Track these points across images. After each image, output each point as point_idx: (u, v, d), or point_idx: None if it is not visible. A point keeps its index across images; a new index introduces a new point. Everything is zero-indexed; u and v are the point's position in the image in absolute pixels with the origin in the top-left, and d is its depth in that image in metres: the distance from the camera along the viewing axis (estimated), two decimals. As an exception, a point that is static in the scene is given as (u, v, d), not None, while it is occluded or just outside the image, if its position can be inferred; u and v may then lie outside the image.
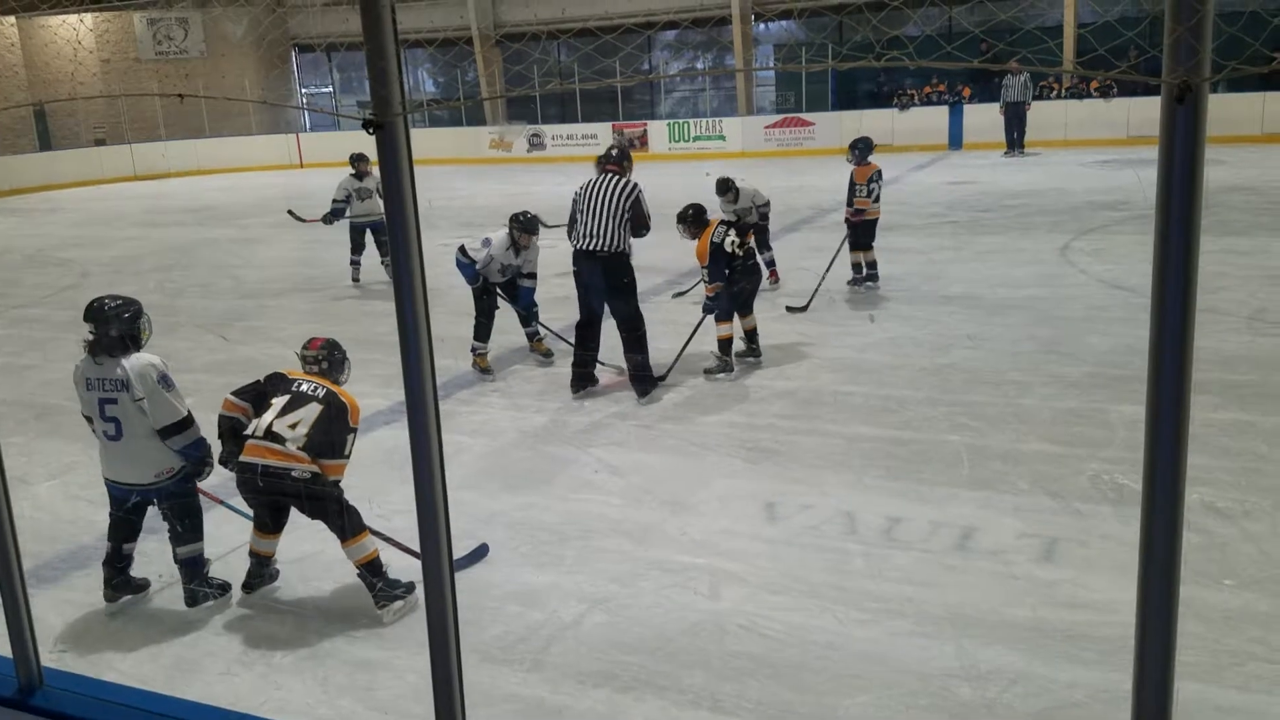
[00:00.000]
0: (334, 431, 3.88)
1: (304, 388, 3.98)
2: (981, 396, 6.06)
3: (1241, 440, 5.13)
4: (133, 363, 3.87)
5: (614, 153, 6.54)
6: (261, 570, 4.14)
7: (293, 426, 3.85)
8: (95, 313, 3.90)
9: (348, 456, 3.94)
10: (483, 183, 20.43)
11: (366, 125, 1.52)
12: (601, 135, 23.39)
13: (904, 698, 3.28)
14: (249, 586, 4.12)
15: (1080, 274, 9.02)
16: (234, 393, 4.08)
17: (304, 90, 30.19)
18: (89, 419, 4.00)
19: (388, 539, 4.16)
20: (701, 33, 24.86)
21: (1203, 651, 3.39)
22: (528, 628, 3.84)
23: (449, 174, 21.43)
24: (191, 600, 4.04)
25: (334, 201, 10.18)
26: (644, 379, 6.40)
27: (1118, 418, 5.55)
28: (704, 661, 3.55)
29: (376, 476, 4.98)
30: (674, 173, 16.94)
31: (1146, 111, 18.06)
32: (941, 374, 6.51)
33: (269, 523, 4.06)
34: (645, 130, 23.11)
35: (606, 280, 6.27)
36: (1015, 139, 18.21)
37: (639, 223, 6.27)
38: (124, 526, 4.05)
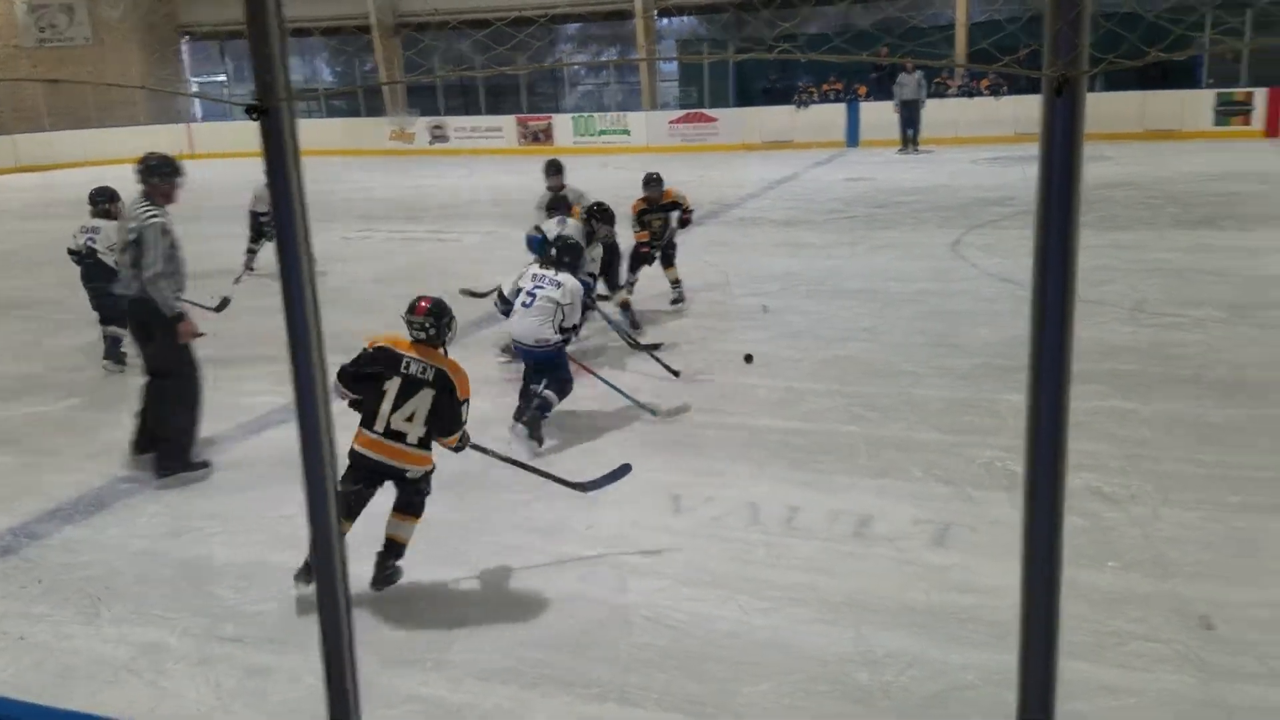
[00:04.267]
0: (448, 413, 3.89)
1: (413, 369, 3.88)
2: (877, 388, 6.20)
3: (1126, 427, 5.35)
4: None
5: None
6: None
7: (409, 419, 3.84)
8: None
9: (464, 423, 3.99)
10: (384, 175, 20.07)
11: (250, 110, 1.47)
12: (505, 128, 23.21)
13: (803, 684, 3.33)
14: (305, 577, 3.97)
15: (971, 268, 9.29)
16: (341, 372, 3.90)
17: (195, 80, 29.17)
18: None
19: (533, 468, 4.52)
20: (605, 26, 24.85)
21: (1087, 632, 3.52)
22: (430, 627, 3.78)
23: (347, 165, 20.99)
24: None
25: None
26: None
27: (1007, 407, 5.73)
28: (611, 655, 3.55)
29: (273, 478, 4.84)
30: (576, 166, 16.88)
31: (1034, 109, 18.63)
32: (839, 366, 6.64)
33: (348, 511, 3.86)
34: (550, 123, 23.00)
35: None
36: (910, 136, 18.66)
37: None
38: None
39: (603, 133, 22.47)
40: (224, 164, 18.12)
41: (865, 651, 3.49)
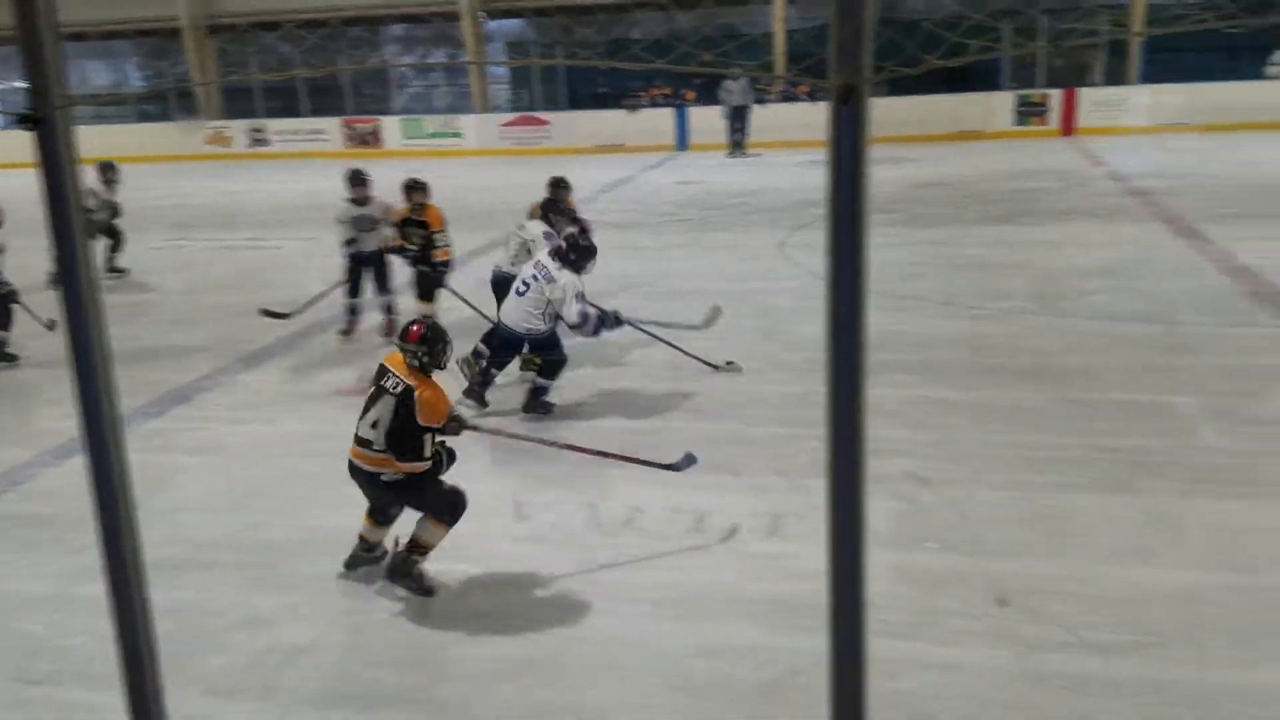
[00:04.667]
0: (402, 431, 3.82)
1: (387, 383, 3.93)
2: (715, 385, 6.32)
3: (940, 414, 5.63)
4: None
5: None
6: (366, 553, 4.16)
7: (373, 426, 3.89)
8: None
9: (426, 459, 3.85)
10: (200, 181, 19.12)
11: (23, 120, 1.36)
12: (330, 130, 22.48)
13: (649, 681, 3.37)
14: (351, 565, 4.16)
15: (796, 267, 9.60)
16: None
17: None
18: None
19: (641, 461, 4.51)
20: (431, 27, 24.42)
21: (911, 611, 3.69)
22: (256, 654, 3.62)
23: (159, 172, 19.89)
24: None
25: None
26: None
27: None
28: (457, 669, 3.49)
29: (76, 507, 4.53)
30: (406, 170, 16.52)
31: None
32: (677, 365, 6.73)
33: (377, 516, 4.12)
34: (377, 126, 22.43)
35: None
36: (738, 140, 19.13)
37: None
38: None
39: (433, 135, 22.06)
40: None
41: (704, 645, 3.56)
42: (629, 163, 18.75)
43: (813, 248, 10.41)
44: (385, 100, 25.40)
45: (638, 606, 3.83)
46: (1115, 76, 19.78)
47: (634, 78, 22.17)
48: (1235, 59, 18.99)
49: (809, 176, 15.97)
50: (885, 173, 16.02)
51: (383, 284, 7.66)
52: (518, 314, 5.80)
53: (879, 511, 4.49)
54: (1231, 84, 18.29)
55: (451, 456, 4.02)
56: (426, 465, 3.86)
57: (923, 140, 18.65)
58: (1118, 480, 4.69)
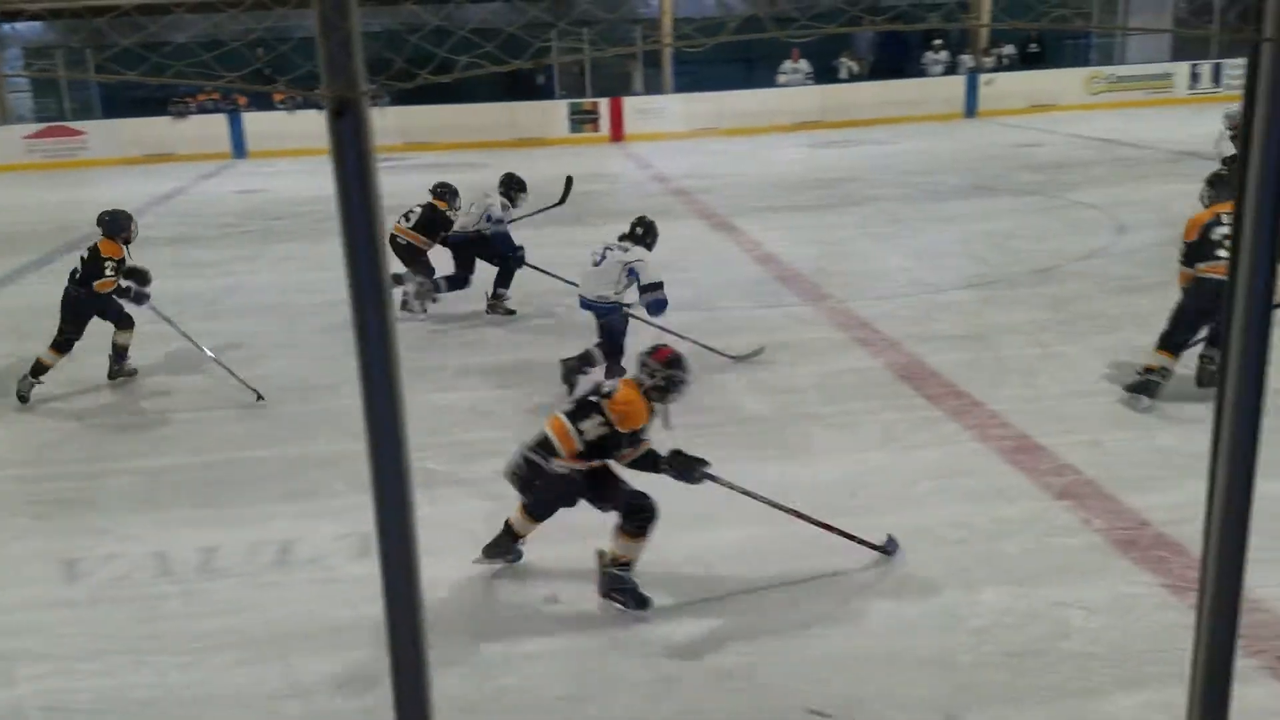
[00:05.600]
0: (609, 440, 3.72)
1: (605, 389, 3.80)
2: (296, 405, 6.04)
3: (531, 413, 5.80)
4: None
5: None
6: (508, 544, 4.01)
7: (580, 432, 3.72)
8: None
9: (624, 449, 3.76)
10: None
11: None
12: None
13: (235, 733, 3.15)
14: (489, 553, 4.00)
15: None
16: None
17: None
18: None
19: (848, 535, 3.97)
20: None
21: (507, 608, 3.78)
22: None
23: None
24: None
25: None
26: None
27: (427, 407, 5.91)
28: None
29: None
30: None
31: (417, 119, 19.48)
32: (256, 387, 6.33)
33: (533, 512, 3.96)
34: None
35: None
36: None
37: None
38: None
39: (-65, 152, 18.90)
40: None
41: (294, 682, 3.39)
42: (181, 172, 17.35)
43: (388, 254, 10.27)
44: None
45: (219, 655, 3.56)
46: (654, 86, 21.56)
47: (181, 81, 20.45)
48: (752, 70, 21.50)
49: (386, 182, 15.75)
50: (459, 177, 16.18)
51: None
52: (592, 283, 6.17)
53: (473, 514, 4.55)
54: (750, 92, 20.70)
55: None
56: (591, 465, 3.75)
57: (487, 146, 19.15)
58: (681, 455, 5.12)
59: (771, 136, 19.44)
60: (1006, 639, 3.45)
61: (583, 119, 20.25)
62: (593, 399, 3.81)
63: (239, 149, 19.67)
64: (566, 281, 7.38)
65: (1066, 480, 4.60)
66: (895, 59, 22.24)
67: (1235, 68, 20.54)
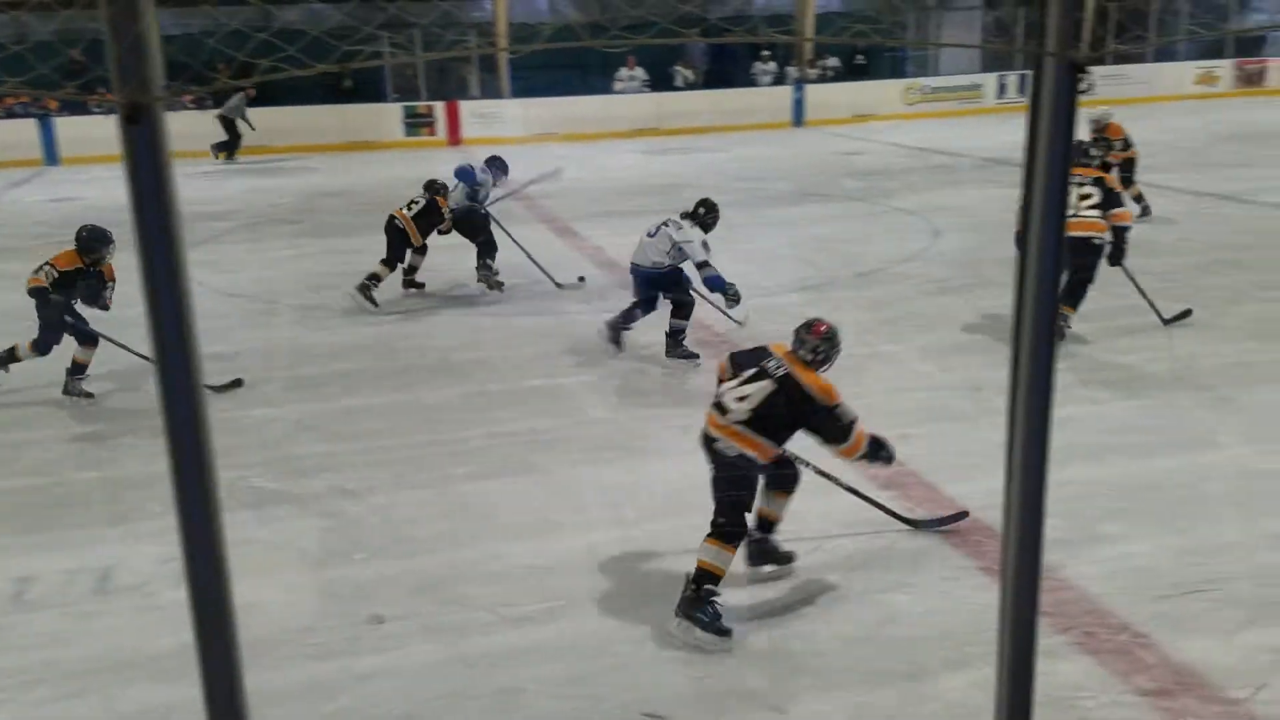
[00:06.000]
0: (778, 414, 3.67)
1: (770, 365, 3.78)
2: (110, 425, 5.71)
3: (359, 422, 5.67)
4: None
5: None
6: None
7: (740, 400, 3.71)
8: None
9: (779, 450, 3.75)
10: None
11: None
12: None
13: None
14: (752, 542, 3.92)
15: (198, 285, 8.98)
16: (732, 354, 3.99)
17: None
18: None
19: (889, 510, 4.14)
20: None
21: (342, 626, 3.67)
22: None
23: None
24: None
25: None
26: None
27: (249, 422, 5.69)
28: None
29: None
30: None
31: (266, 121, 18.77)
32: (68, 406, 5.94)
33: (780, 481, 3.98)
34: None
35: None
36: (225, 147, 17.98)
37: None
38: None
39: None
40: None
41: (116, 715, 3.20)
42: (-16, 179, 16.13)
43: (217, 264, 9.83)
44: None
45: (34, 690, 3.33)
46: (491, 91, 21.40)
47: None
48: (588, 75, 21.62)
49: (204, 189, 15.04)
50: (288, 181, 15.67)
51: None
52: (645, 253, 6.56)
53: (306, 531, 4.41)
54: (588, 98, 20.82)
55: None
56: (778, 454, 3.76)
57: (317, 149, 18.61)
58: (521, 461, 5.10)
59: (609, 142, 19.60)
60: (839, 626, 3.59)
61: (418, 122, 19.90)
62: (774, 376, 3.72)
63: (51, 155, 18.45)
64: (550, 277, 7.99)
65: (891, 472, 4.80)
66: (726, 68, 22.81)
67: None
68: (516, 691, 3.30)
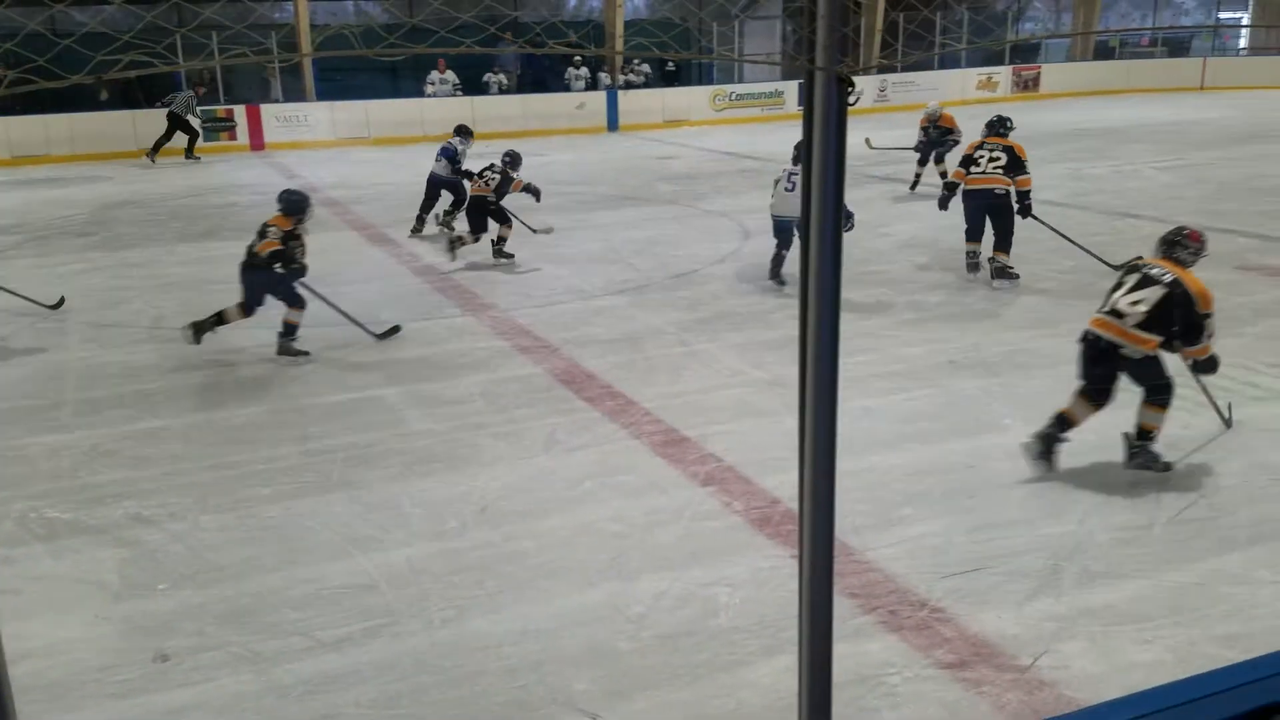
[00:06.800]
0: (1172, 316, 4.42)
1: (1154, 272, 4.53)
2: None
3: (158, 446, 5.36)
4: None
5: None
6: (1056, 436, 4.64)
7: (1134, 304, 4.47)
8: None
9: (1201, 342, 4.50)
10: None
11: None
12: None
13: None
14: (1043, 442, 4.65)
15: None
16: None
17: None
18: None
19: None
20: None
21: (142, 665, 3.47)
22: None
23: None
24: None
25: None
26: None
27: (38, 450, 5.31)
28: None
29: None
30: None
31: (28, 130, 17.48)
32: None
33: (1093, 394, 4.62)
34: None
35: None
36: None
37: None
38: None
39: None
40: None
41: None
42: None
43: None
44: None
45: None
46: (295, 94, 20.66)
47: None
48: (398, 79, 21.19)
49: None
50: (78, 192, 14.62)
51: None
52: (789, 205, 7.47)
53: (104, 563, 4.15)
54: (398, 101, 20.41)
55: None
56: (1206, 351, 4.52)
57: (111, 158, 17.55)
58: (336, 477, 4.95)
59: (422, 146, 19.27)
60: (662, 623, 3.66)
61: (217, 127, 18.98)
62: (1163, 283, 4.49)
63: None
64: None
65: (710, 468, 4.95)
66: (540, 74, 22.84)
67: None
68: (333, 717, 3.20)
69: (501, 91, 21.78)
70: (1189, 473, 4.69)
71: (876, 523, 4.33)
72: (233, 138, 19.06)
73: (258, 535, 4.40)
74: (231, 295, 6.84)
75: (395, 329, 7.27)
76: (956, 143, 11.93)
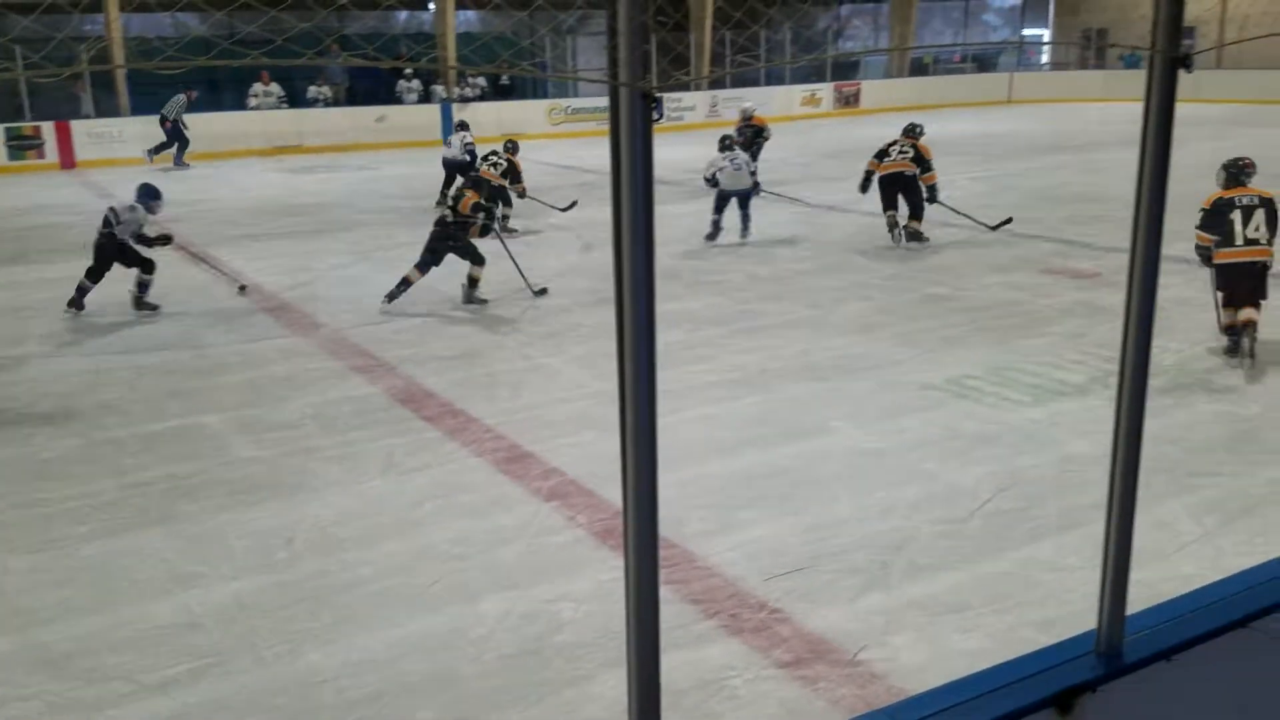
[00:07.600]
0: (1276, 221, 6.21)
1: (1244, 201, 6.22)
2: None
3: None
4: None
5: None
6: (1238, 341, 6.26)
7: (1258, 228, 6.12)
8: None
9: None
10: None
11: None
12: None
13: None
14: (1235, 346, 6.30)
15: None
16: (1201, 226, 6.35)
17: None
18: None
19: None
20: None
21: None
22: None
23: None
24: None
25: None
26: None
27: None
28: None
29: None
30: None
31: None
32: None
33: (1236, 301, 6.26)
34: None
35: None
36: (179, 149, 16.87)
37: None
38: None
39: None
40: None
41: None
42: None
43: None
44: None
45: None
46: (108, 109, 19.54)
47: None
48: (218, 92, 20.34)
49: None
50: None
51: None
52: (738, 180, 10.27)
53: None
54: (218, 114, 19.58)
55: None
56: None
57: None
58: (156, 511, 4.69)
59: (245, 160, 18.57)
60: (505, 644, 3.61)
61: (23, 145, 17.75)
62: (1260, 205, 6.20)
63: None
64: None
65: (554, 482, 4.94)
66: (369, 86, 22.34)
67: (671, 100, 23.51)
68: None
69: (326, 103, 21.21)
70: (1001, 466, 4.96)
71: (717, 527, 4.40)
72: (40, 156, 17.87)
73: (73, 576, 4.12)
74: (47, 320, 6.40)
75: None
76: (767, 139, 14.06)
